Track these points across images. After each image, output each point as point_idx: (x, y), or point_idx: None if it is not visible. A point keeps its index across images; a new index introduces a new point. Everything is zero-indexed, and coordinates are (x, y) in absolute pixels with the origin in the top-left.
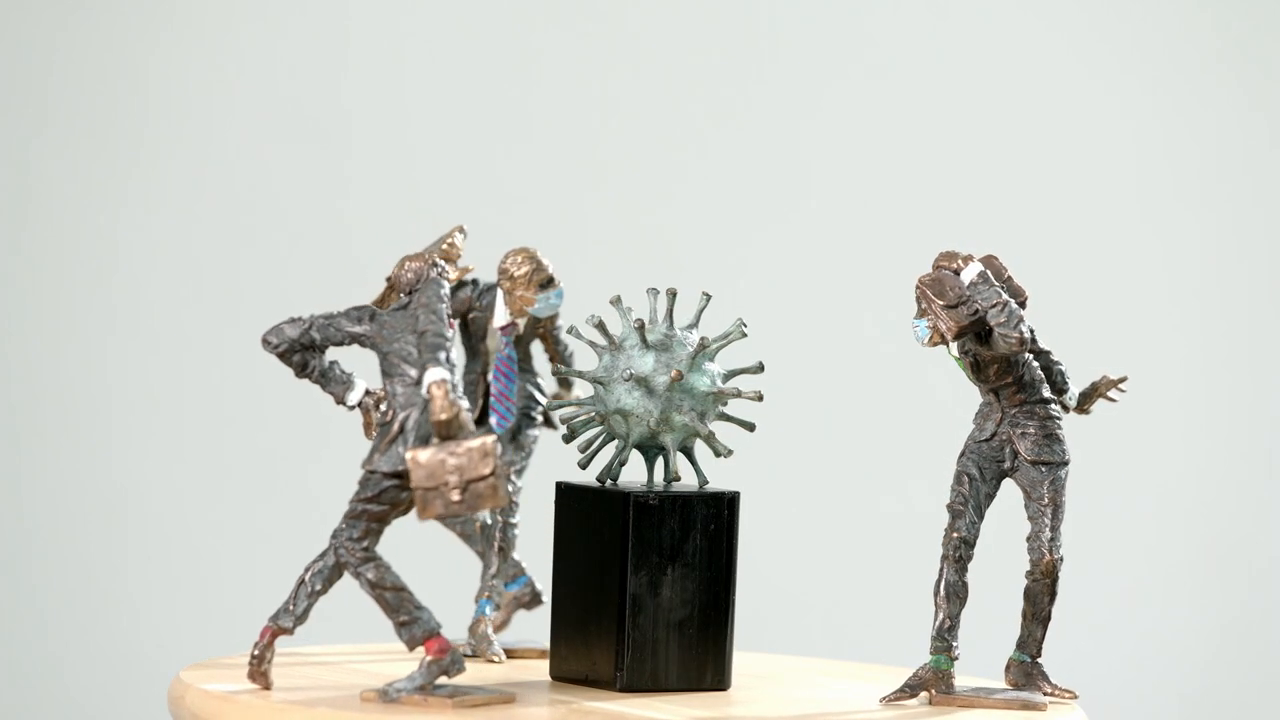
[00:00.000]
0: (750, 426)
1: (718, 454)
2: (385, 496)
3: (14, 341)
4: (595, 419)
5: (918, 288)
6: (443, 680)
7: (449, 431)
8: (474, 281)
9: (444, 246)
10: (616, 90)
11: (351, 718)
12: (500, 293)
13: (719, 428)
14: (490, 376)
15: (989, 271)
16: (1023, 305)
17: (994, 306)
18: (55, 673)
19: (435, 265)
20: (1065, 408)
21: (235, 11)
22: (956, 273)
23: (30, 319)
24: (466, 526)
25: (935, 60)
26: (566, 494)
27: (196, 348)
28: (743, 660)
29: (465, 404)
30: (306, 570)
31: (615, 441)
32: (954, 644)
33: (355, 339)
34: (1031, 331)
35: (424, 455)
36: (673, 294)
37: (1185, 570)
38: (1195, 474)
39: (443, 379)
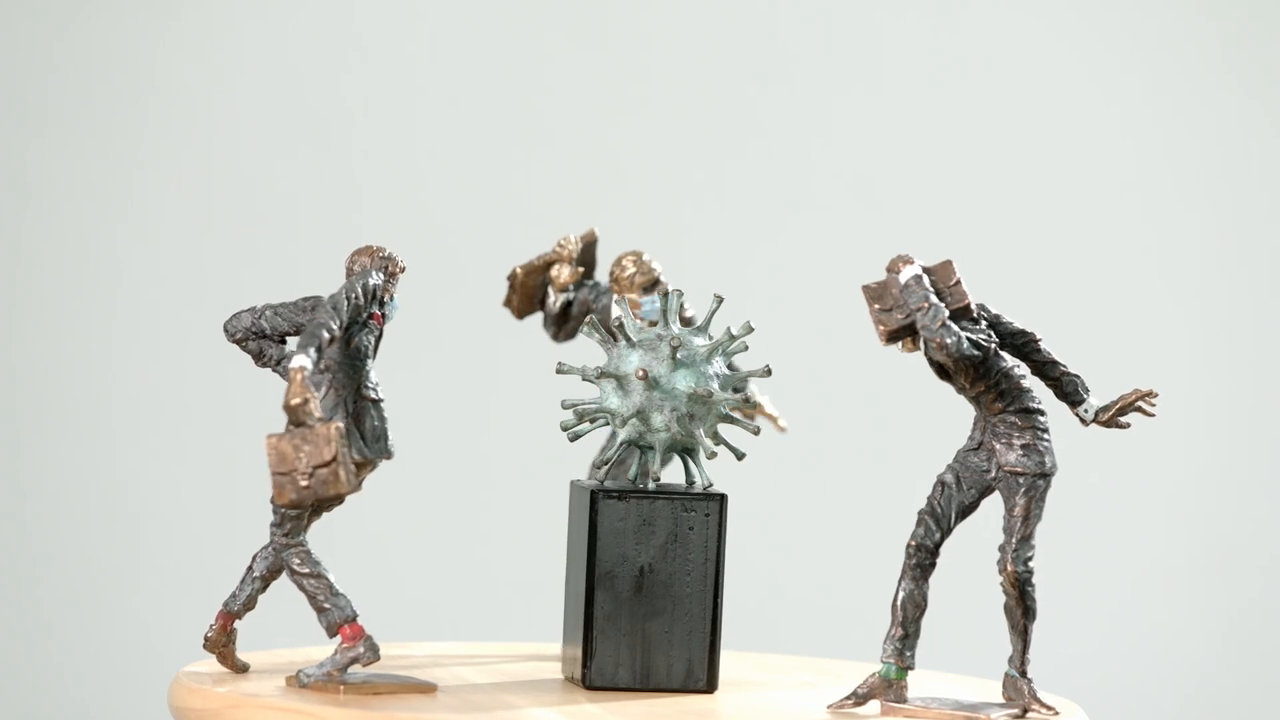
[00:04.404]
0: (755, 430)
1: (715, 455)
2: None
3: (16, 341)
4: (580, 419)
5: (862, 291)
6: (355, 668)
7: (297, 418)
8: (595, 283)
9: (555, 247)
10: (629, 95)
11: (344, 714)
12: (614, 295)
13: (729, 430)
14: None
15: (926, 276)
16: (964, 312)
17: (919, 310)
18: (56, 672)
19: (388, 259)
20: (1082, 420)
21: (244, 11)
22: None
23: (33, 318)
24: None
25: (939, 66)
26: (573, 493)
27: (199, 348)
28: (745, 661)
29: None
30: (254, 558)
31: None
32: (907, 653)
33: (301, 328)
34: (1022, 337)
35: (277, 441)
36: (665, 294)
37: (1188, 575)
38: (1197, 477)
39: (300, 366)
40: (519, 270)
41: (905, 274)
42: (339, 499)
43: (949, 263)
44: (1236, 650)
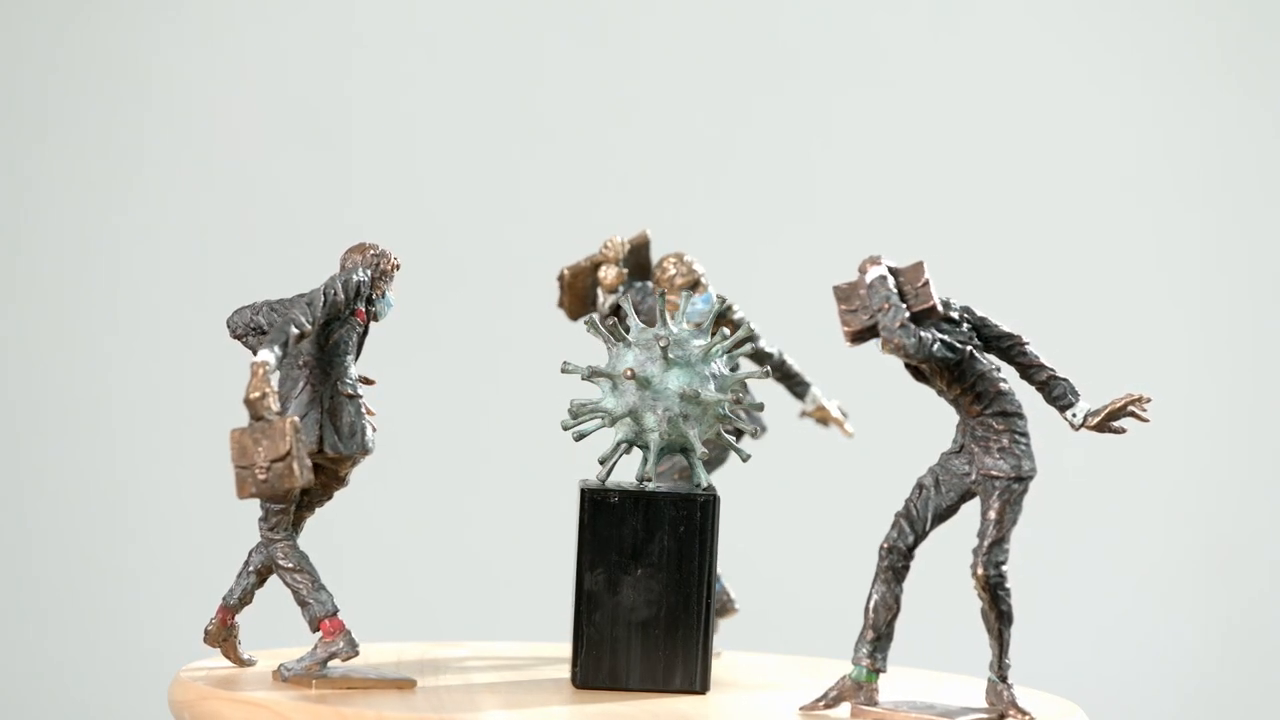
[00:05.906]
0: (754, 432)
1: (706, 455)
2: None
3: (16, 341)
4: (576, 418)
5: (832, 291)
6: (334, 663)
7: (255, 412)
8: (643, 284)
9: (601, 248)
10: (628, 94)
11: (298, 707)
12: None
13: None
14: None
15: (890, 277)
16: (928, 314)
17: (879, 310)
18: (55, 672)
19: (380, 255)
20: (1071, 425)
21: (244, 10)
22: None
23: (33, 318)
24: None
25: (939, 65)
26: (577, 492)
27: (200, 347)
28: (745, 662)
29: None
30: (250, 553)
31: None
32: (879, 656)
33: None
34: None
35: (240, 435)
36: (661, 294)
37: (1188, 576)
38: (1197, 478)
39: (263, 362)
40: (566, 272)
41: (870, 274)
42: (326, 495)
43: (920, 264)
44: (1236, 651)
